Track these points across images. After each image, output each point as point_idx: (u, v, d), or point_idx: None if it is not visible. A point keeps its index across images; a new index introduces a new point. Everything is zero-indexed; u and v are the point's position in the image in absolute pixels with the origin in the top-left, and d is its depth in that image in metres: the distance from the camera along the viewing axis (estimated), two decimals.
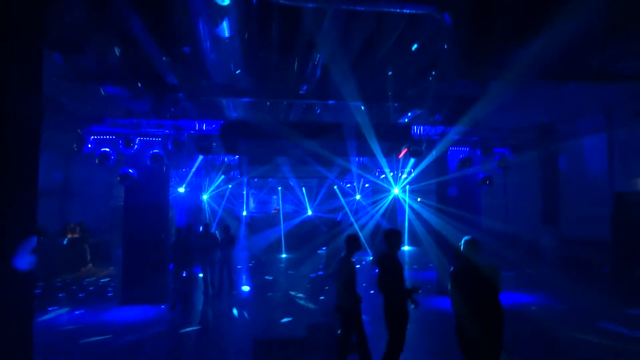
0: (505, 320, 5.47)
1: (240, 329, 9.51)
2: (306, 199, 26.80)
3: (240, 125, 12.60)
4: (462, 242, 5.87)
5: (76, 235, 16.57)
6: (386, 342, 5.97)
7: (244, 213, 27.55)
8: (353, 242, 6.54)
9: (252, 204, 29.51)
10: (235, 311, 10.85)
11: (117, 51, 8.50)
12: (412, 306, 6.03)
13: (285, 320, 10.06)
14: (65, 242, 15.89)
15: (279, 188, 26.24)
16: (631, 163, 15.32)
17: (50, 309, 10.83)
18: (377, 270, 6.09)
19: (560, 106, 15.89)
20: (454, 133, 12.22)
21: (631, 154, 15.40)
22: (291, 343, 8.39)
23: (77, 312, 10.54)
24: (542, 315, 10.46)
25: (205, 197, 21.11)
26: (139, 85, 9.95)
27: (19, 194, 5.15)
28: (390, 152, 13.91)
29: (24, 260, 5.09)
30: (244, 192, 27.56)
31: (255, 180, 25.93)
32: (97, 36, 7.67)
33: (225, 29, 9.66)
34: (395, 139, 12.66)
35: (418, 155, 12.46)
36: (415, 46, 11.15)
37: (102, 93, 10.17)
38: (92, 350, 8.02)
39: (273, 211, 28.12)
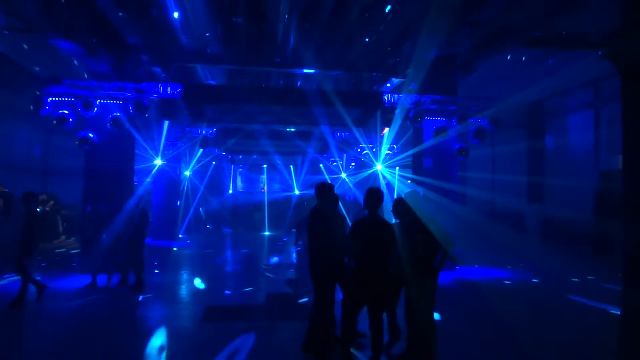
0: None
1: (197, 297, 9.16)
2: (293, 178, 26.42)
3: (202, 89, 12.14)
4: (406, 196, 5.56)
5: (47, 208, 16.19)
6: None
7: (230, 191, 27.24)
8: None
9: (240, 183, 29.13)
10: (196, 281, 10.52)
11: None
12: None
13: (247, 289, 9.74)
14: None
15: (264, 166, 25.81)
16: (618, 139, 14.87)
17: (6, 275, 10.49)
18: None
19: (548, 82, 15.48)
20: (430, 102, 11.76)
21: (618, 130, 14.92)
22: (242, 309, 8.10)
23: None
24: (513, 288, 10.11)
25: (187, 172, 20.65)
26: (94, 40, 9.45)
27: None
28: (363, 122, 13.44)
29: None
30: (231, 170, 27.23)
31: (240, 157, 25.50)
32: None
33: None
34: (365, 106, 12.17)
35: (389, 123, 12.00)
36: (388, 7, 10.68)
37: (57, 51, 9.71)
38: (26, 313, 7.75)
39: (261, 190, 27.72)
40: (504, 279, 10.96)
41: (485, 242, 13.93)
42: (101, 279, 9.85)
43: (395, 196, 13.40)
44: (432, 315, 5.17)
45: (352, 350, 5.38)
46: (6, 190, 13.61)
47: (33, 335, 6.71)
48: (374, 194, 5.33)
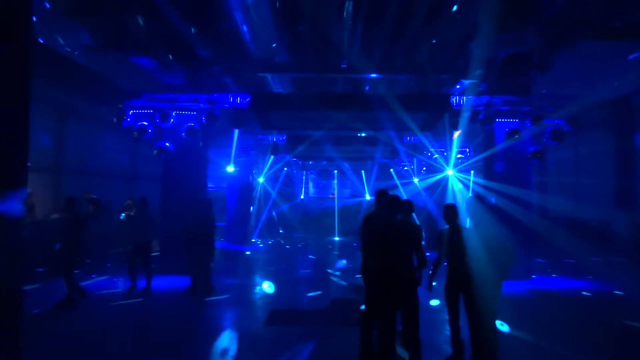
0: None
1: (263, 300, 9.40)
2: (364, 183, 26.36)
3: (269, 97, 12.43)
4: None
5: (132, 213, 17.28)
6: None
7: (302, 196, 27.70)
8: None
9: (311, 189, 29.54)
10: (264, 284, 10.80)
11: (140, 20, 8.57)
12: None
13: (312, 294, 9.83)
14: (121, 217, 16.64)
15: (335, 172, 25.96)
16: None
17: (93, 276, 11.37)
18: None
19: (636, 75, 14.26)
20: (501, 103, 11.27)
21: None
22: (305, 314, 8.19)
23: (115, 280, 10.95)
24: (592, 300, 9.42)
25: (260, 179, 21.30)
26: (169, 57, 10.03)
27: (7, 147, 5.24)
28: (431, 126, 13.09)
29: (12, 207, 5.21)
30: (302, 176, 27.69)
31: (310, 162, 25.85)
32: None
33: None
34: (432, 109, 11.85)
35: (456, 127, 11.62)
36: (455, 7, 10.37)
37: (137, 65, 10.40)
38: (102, 312, 8.32)
39: (330, 196, 27.93)
40: (583, 289, 10.23)
41: (566, 251, 13.08)
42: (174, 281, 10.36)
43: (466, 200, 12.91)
44: (490, 327, 4.94)
45: None
46: (94, 196, 14.76)
47: (102, 332, 7.20)
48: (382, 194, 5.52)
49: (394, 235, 4.97)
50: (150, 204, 18.24)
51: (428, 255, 5.52)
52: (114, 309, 8.51)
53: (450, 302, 5.57)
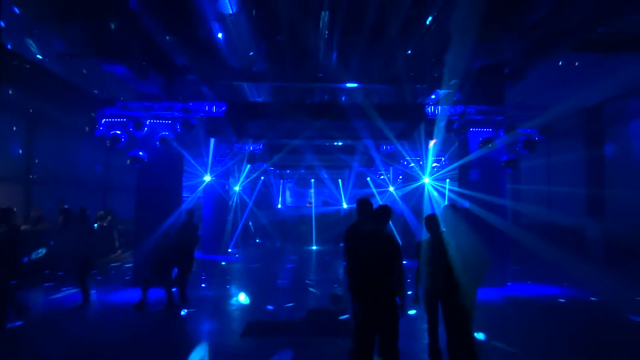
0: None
1: (239, 312, 9.26)
2: (342, 191, 26.43)
3: (244, 106, 12.38)
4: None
5: (104, 224, 16.93)
6: None
7: (279, 206, 27.58)
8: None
9: (288, 197, 29.47)
10: (240, 296, 10.66)
11: (115, 27, 8.42)
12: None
13: (289, 304, 9.73)
14: (94, 227, 16.25)
15: (312, 180, 25.97)
16: None
17: (63, 289, 11.05)
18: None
19: (606, 86, 14.68)
20: (475, 112, 11.44)
21: None
22: (282, 325, 8.10)
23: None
24: (567, 306, 9.57)
25: (236, 188, 21.12)
26: (143, 64, 9.88)
27: None
28: (407, 135, 13.22)
29: None
30: (279, 185, 27.60)
31: (288, 171, 25.81)
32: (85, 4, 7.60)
33: (227, 5, 9.43)
34: (407, 119, 11.97)
35: (431, 136, 11.77)
36: (429, 19, 10.54)
37: (112, 74, 10.22)
38: (73, 325, 8.11)
39: (307, 204, 27.90)
40: (558, 296, 10.39)
41: (540, 258, 13.29)
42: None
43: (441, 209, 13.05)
44: (468, 335, 4.96)
45: None
46: (66, 206, 14.38)
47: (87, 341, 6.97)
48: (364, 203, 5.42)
49: (380, 243, 4.87)
50: (123, 214, 17.96)
51: (405, 264, 5.50)
52: (78, 323, 8.30)
53: (430, 310, 5.58)
